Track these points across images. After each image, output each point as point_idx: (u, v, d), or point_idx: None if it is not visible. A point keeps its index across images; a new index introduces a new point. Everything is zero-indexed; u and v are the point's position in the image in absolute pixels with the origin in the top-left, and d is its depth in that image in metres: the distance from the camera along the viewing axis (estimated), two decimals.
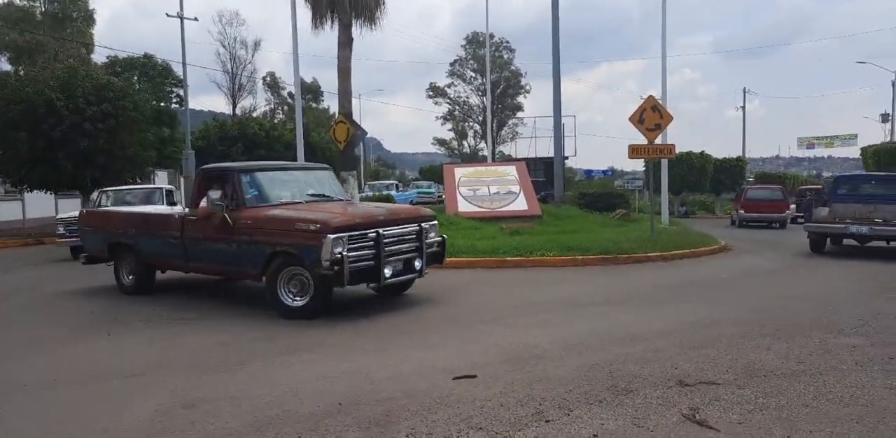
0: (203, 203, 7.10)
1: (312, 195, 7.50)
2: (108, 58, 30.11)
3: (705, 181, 32.07)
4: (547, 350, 5.14)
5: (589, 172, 45.42)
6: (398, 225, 6.82)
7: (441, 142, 56.81)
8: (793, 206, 21.76)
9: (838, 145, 51.97)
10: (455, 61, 52.73)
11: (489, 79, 31.78)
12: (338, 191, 8.08)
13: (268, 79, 50.58)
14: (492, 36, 46.14)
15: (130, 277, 8.16)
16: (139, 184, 17.51)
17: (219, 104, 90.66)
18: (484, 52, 35.43)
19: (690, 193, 33.15)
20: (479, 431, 3.49)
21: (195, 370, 4.77)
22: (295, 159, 14.44)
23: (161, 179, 25.70)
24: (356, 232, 6.35)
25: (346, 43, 13.39)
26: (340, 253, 6.12)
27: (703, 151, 31.99)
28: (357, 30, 14.11)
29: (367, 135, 16.96)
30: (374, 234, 6.45)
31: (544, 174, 26.26)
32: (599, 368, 4.60)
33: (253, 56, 43.16)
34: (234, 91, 41.95)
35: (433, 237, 7.34)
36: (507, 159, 37.83)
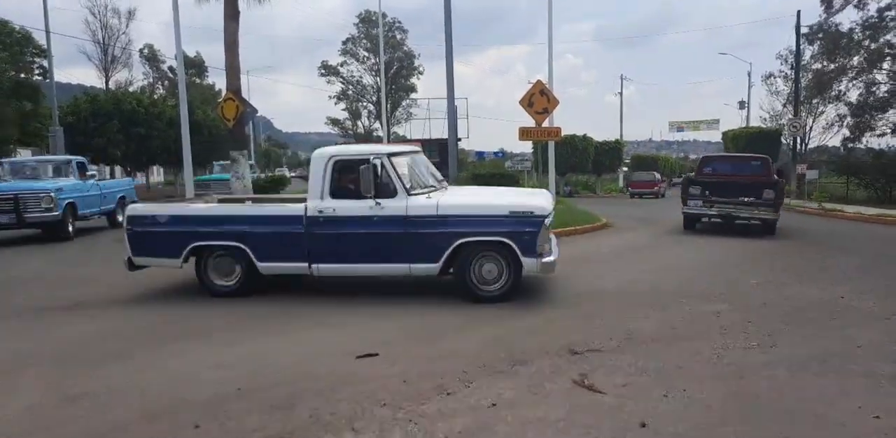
0: None
1: None
2: None
3: (587, 162, 33.79)
4: (448, 325, 5.28)
5: (480, 154, 46.22)
6: None
7: (335, 122, 55.54)
8: (663, 184, 32.47)
9: (704, 129, 56.30)
10: (348, 40, 51.46)
11: (383, 59, 31.41)
12: None
13: (146, 51, 46.94)
14: (384, 15, 45.46)
15: None
16: None
17: (89, 77, 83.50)
18: (377, 31, 34.94)
19: (574, 174, 34.78)
20: (383, 407, 3.55)
21: (74, 362, 4.46)
22: (178, 137, 13.60)
23: None
24: None
25: (232, 16, 12.69)
26: None
27: (585, 134, 33.66)
28: (244, 2, 13.46)
29: (258, 114, 16.26)
30: None
31: (438, 155, 26.52)
32: (497, 341, 4.79)
33: (127, 26, 39.71)
34: (106, 63, 38.51)
35: None
36: (402, 140, 37.76)
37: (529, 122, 13.24)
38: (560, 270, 8.05)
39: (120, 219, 14.25)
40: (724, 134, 35.34)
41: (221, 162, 23.36)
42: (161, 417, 3.47)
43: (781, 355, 4.47)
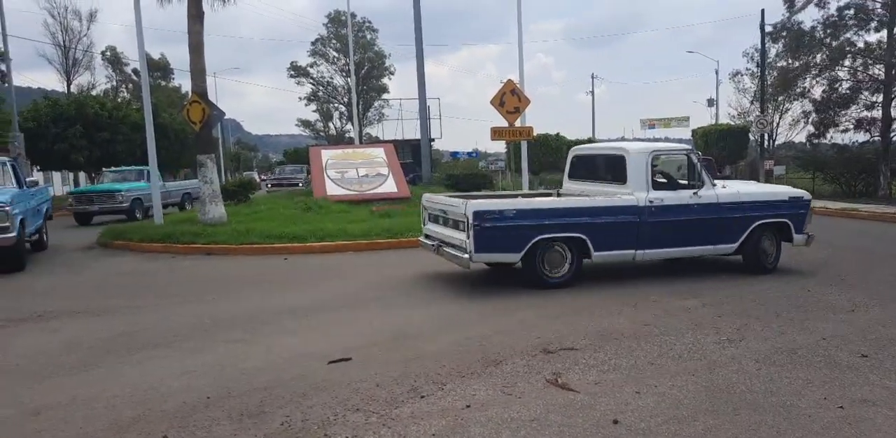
0: None
1: None
2: None
3: (561, 161, 34.03)
4: (421, 328, 5.25)
5: (454, 154, 46.27)
6: None
7: (305, 124, 55.08)
8: None
9: (675, 126, 57.21)
10: (317, 40, 51.05)
11: (353, 60, 31.21)
12: None
13: (108, 53, 46.04)
14: (354, 15, 45.24)
15: None
16: None
17: (50, 81, 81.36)
18: (346, 31, 34.74)
19: (548, 173, 35.01)
20: (356, 412, 3.51)
21: (37, 375, 4.33)
22: (144, 141, 13.33)
23: None
24: None
25: (196, 16, 12.47)
26: None
27: (558, 133, 33.91)
28: (209, 3, 13.23)
29: (226, 116, 16.05)
30: None
31: (412, 156, 26.49)
32: (471, 342, 4.78)
33: (89, 28, 38.96)
34: (67, 66, 37.68)
35: None
36: (375, 141, 37.60)
37: (502, 122, 13.27)
38: None
39: (45, 239, 10.78)
40: (694, 131, 35.88)
41: (114, 169, 19.63)
42: (129, 428, 3.39)
43: (750, 348, 4.55)
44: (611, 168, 7.52)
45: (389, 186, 15.75)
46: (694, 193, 7.03)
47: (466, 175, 21.18)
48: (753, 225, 7.22)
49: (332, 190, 15.31)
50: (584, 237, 6.64)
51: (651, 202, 6.86)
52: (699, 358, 4.34)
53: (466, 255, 6.45)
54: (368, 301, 6.40)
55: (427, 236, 7.82)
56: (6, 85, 22.69)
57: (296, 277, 8.04)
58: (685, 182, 7.25)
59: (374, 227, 10.95)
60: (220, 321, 5.69)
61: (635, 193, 6.91)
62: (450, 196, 7.90)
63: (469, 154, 45.22)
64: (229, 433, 3.30)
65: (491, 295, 6.51)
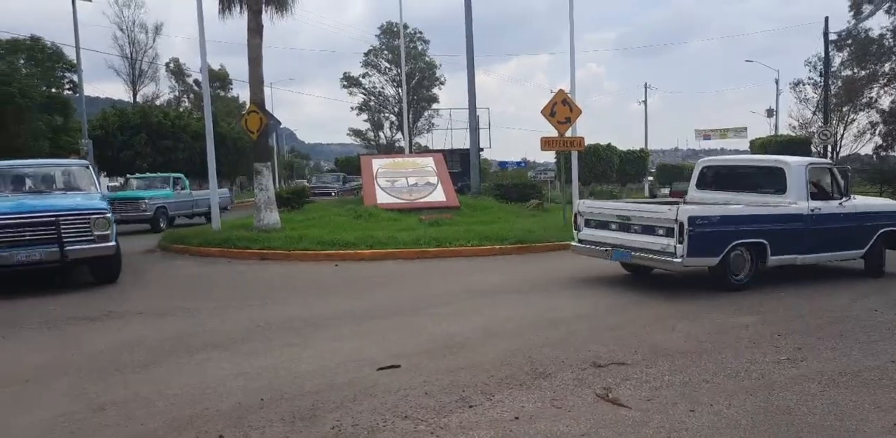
0: None
1: None
2: None
3: (612, 172, 33.59)
4: (469, 338, 5.25)
5: (503, 164, 46.21)
6: None
7: (357, 133, 56.09)
8: None
9: (732, 136, 55.65)
10: (369, 51, 52.07)
11: (404, 70, 31.66)
12: None
13: (171, 65, 48.12)
14: (406, 26, 45.89)
15: None
16: None
17: (118, 91, 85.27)
18: (398, 42, 35.28)
19: (599, 183, 34.59)
20: (405, 420, 3.54)
21: (102, 372, 4.53)
22: (204, 149, 13.81)
23: None
24: None
25: (255, 30, 12.91)
26: None
27: (609, 143, 33.52)
28: (267, 16, 13.68)
29: (281, 126, 16.50)
30: None
31: (460, 165, 26.58)
32: (519, 353, 4.76)
33: (154, 41, 41.02)
34: (134, 77, 39.67)
35: None
36: (424, 150, 37.92)
37: (552, 131, 13.20)
38: (586, 282, 8.00)
39: None
40: (753, 142, 34.97)
41: (139, 175, 18.53)
42: (187, 426, 3.50)
43: (812, 369, 4.37)
44: (764, 179, 7.96)
45: (438, 195, 15.83)
46: (840, 203, 7.63)
47: (515, 185, 21.05)
48: (879, 233, 7.89)
49: (382, 198, 15.50)
50: (765, 242, 7.05)
51: (812, 211, 7.36)
52: (757, 378, 4.20)
53: (678, 260, 6.70)
54: (416, 308, 6.44)
55: (582, 241, 8.11)
56: (77, 95, 23.95)
57: (347, 283, 8.16)
58: (830, 192, 7.85)
59: (422, 236, 11.03)
60: (274, 325, 5.83)
61: (798, 202, 7.35)
62: (639, 202, 8.53)
63: (518, 163, 45.06)
64: (282, 435, 3.37)
65: (539, 306, 6.46)
